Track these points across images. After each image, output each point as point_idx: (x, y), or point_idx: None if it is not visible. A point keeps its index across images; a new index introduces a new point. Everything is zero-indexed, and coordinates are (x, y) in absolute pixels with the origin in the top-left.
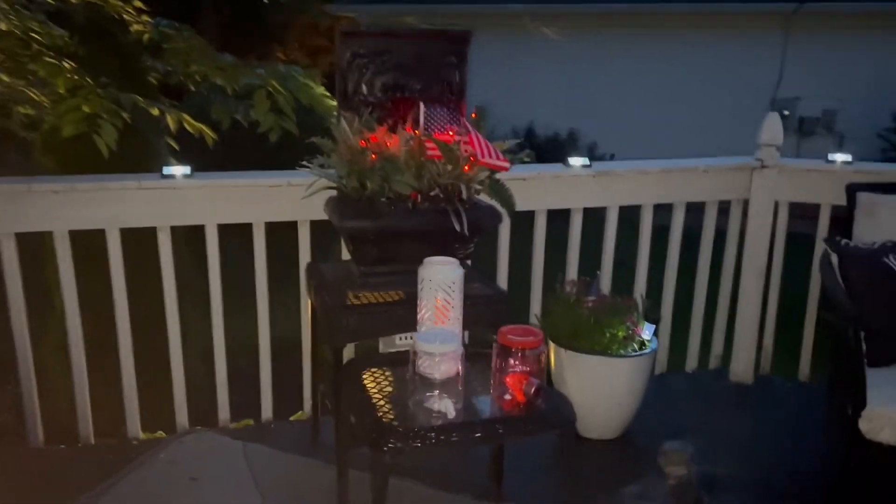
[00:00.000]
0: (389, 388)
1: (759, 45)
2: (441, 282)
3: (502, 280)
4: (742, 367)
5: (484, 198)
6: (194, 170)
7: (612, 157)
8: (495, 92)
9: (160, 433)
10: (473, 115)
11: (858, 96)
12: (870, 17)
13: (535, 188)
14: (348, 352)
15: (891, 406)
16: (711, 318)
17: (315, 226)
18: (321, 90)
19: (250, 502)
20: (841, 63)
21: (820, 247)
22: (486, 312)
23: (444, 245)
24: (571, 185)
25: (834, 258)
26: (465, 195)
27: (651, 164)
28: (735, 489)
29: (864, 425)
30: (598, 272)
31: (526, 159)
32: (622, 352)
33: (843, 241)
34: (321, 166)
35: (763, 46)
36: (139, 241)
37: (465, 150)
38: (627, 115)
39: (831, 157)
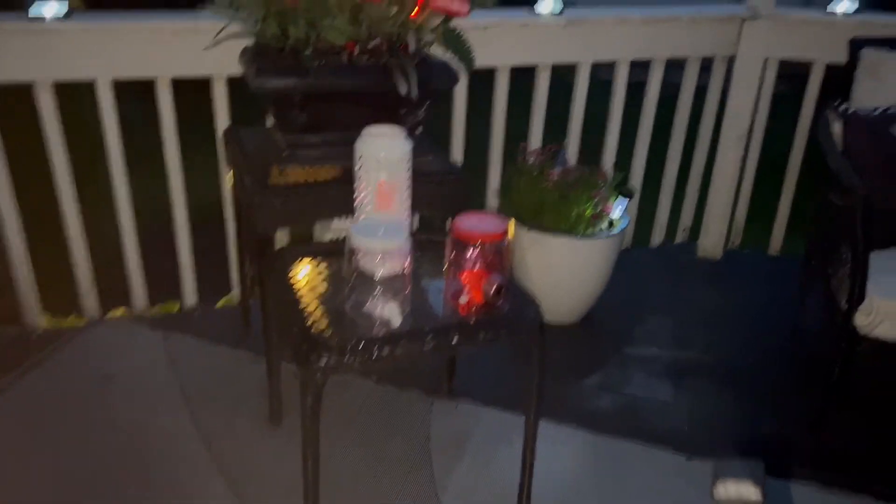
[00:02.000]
0: (323, 287)
1: None
2: (384, 159)
3: (457, 152)
4: (712, 241)
5: (437, 51)
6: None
7: None
8: None
9: (72, 318)
10: None
11: None
12: None
13: (497, 40)
14: (282, 235)
15: (892, 298)
16: (682, 189)
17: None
18: None
19: (171, 404)
20: None
21: (808, 110)
22: (439, 192)
23: (389, 110)
24: (539, 36)
25: (836, 126)
26: (412, 47)
27: (630, 12)
28: (703, 374)
29: (860, 319)
30: (566, 140)
31: (488, 2)
32: (590, 232)
33: (844, 107)
34: (231, 5)
35: None
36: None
37: None
38: None
39: (831, 7)
